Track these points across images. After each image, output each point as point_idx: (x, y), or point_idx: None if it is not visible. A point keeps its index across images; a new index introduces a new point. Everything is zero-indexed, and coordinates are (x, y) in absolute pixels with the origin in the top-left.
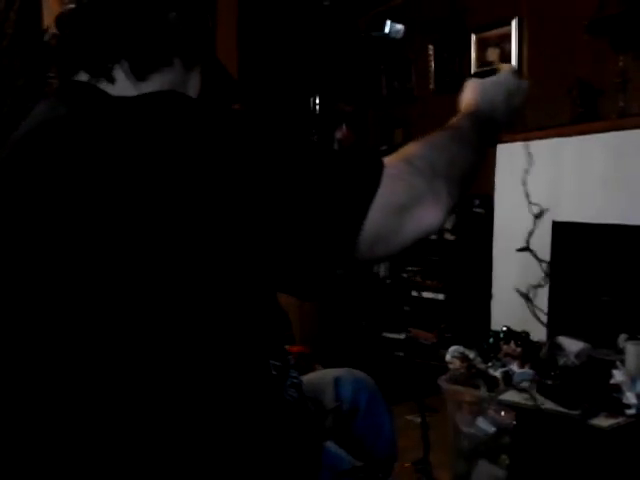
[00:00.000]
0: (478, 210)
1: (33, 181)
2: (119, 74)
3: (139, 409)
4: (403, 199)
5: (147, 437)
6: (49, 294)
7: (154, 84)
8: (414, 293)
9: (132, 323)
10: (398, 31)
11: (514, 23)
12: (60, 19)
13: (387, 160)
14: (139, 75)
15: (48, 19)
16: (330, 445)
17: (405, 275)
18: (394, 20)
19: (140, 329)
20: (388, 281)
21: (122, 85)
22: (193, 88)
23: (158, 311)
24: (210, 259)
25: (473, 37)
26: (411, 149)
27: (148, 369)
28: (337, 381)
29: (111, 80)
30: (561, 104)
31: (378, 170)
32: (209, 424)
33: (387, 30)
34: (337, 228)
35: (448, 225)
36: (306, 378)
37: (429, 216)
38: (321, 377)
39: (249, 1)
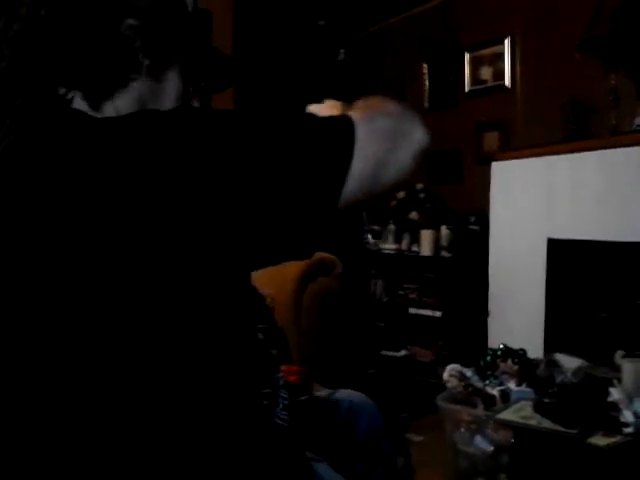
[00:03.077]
0: (474, 227)
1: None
2: (78, 101)
3: (120, 430)
4: (388, 126)
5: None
6: (41, 298)
7: (121, 102)
8: (412, 311)
9: (122, 326)
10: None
11: (507, 42)
12: (9, 41)
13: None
14: (94, 105)
15: None
16: (326, 471)
17: (402, 292)
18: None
19: (130, 332)
20: (385, 299)
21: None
22: (170, 94)
23: (150, 314)
24: (202, 246)
25: (467, 56)
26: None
27: (131, 384)
28: (337, 403)
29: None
30: (554, 122)
31: (348, 117)
32: (198, 452)
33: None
34: (329, 170)
35: (444, 242)
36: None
37: (418, 133)
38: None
39: (245, 22)
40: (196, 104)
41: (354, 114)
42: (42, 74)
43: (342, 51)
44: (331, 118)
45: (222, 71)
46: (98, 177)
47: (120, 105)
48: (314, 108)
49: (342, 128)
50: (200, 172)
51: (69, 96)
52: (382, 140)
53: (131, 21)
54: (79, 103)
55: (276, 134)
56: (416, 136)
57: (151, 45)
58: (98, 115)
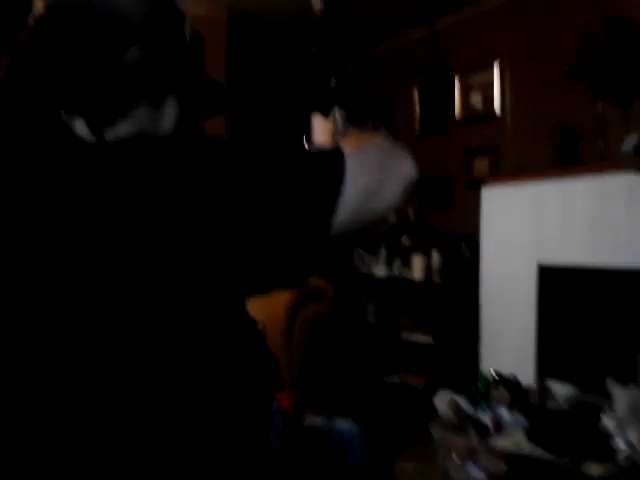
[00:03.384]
0: (464, 252)
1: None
2: (79, 126)
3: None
4: (378, 159)
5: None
6: (54, 299)
7: (121, 129)
8: (403, 336)
9: (116, 348)
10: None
11: (496, 69)
12: (11, 65)
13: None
14: (96, 130)
15: None
16: None
17: (393, 318)
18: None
19: (123, 354)
20: (377, 324)
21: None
22: (167, 121)
23: (143, 338)
24: (196, 273)
25: (457, 82)
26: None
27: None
28: (330, 433)
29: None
30: (543, 148)
31: (339, 149)
32: (193, 473)
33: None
34: (320, 199)
35: (436, 267)
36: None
37: (407, 165)
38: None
39: (238, 47)
40: (189, 130)
41: (345, 147)
42: (42, 99)
43: (333, 79)
44: (322, 151)
45: (214, 98)
46: (95, 202)
47: (120, 131)
48: (317, 126)
49: (333, 160)
50: (195, 201)
51: (70, 121)
52: (372, 171)
53: (135, 51)
54: (80, 128)
55: (269, 165)
56: (405, 168)
57: (153, 74)
58: (98, 140)
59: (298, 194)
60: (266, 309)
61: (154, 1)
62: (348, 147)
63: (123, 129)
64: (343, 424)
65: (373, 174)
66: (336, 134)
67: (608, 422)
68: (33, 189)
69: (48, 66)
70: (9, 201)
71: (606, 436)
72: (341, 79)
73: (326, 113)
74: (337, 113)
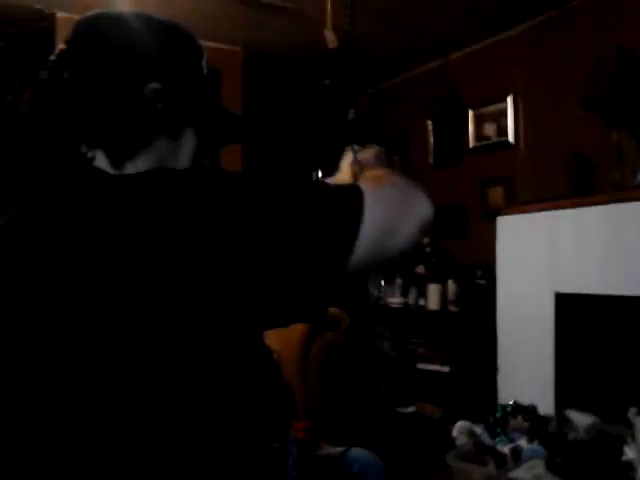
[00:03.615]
0: (480, 281)
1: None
2: (100, 159)
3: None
4: (396, 197)
5: None
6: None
7: (141, 161)
8: (420, 365)
9: (132, 379)
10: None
11: (509, 99)
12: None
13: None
14: (117, 164)
15: None
16: None
17: (409, 347)
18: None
19: (140, 385)
20: (393, 353)
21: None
22: (185, 153)
23: (160, 368)
24: (214, 307)
25: (470, 113)
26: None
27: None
28: (346, 462)
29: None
30: (558, 177)
31: (358, 189)
32: None
33: (351, 117)
34: (339, 235)
35: (451, 296)
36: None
37: (423, 204)
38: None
39: (252, 80)
40: (206, 162)
41: (363, 184)
42: (61, 133)
43: (352, 111)
44: (341, 187)
45: (231, 130)
46: (116, 236)
47: (140, 164)
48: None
49: (352, 196)
50: (214, 236)
51: (90, 155)
52: (390, 209)
53: (155, 85)
54: (101, 161)
55: (289, 201)
56: (422, 207)
57: (172, 107)
58: (118, 173)
59: (316, 230)
60: (281, 337)
61: (172, 36)
62: (366, 184)
63: (143, 162)
64: (358, 452)
65: (391, 212)
66: (356, 168)
67: (630, 453)
68: (53, 223)
69: (69, 101)
70: (28, 236)
71: (628, 467)
72: (358, 112)
73: (363, 144)
74: (365, 146)
